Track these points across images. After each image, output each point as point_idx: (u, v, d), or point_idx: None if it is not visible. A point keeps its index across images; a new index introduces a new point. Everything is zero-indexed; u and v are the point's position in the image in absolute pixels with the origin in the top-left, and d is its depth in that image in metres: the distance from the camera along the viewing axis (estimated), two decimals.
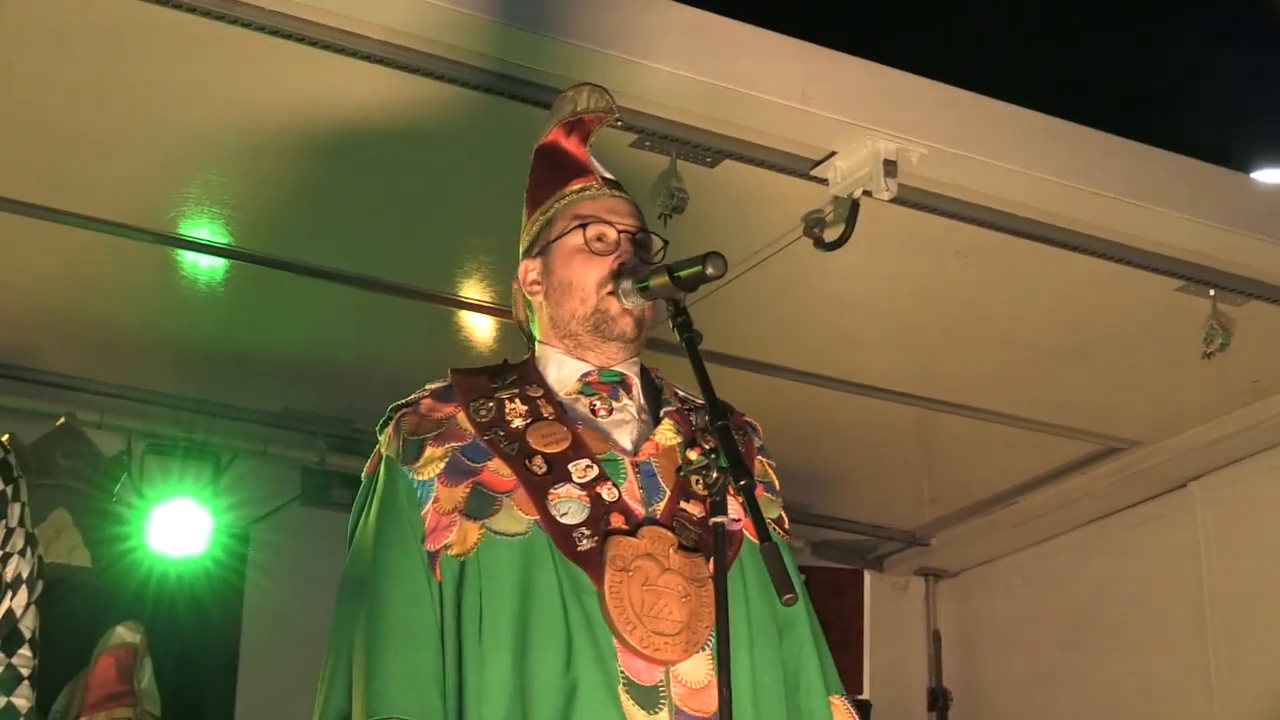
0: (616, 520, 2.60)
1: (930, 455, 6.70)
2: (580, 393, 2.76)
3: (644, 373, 2.84)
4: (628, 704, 2.51)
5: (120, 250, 4.96)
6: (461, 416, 2.71)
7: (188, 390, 6.04)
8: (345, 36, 3.91)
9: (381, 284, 5.22)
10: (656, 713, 2.52)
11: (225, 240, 4.94)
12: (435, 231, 4.94)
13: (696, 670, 2.56)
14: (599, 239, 2.78)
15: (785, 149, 4.38)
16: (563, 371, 2.78)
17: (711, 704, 2.50)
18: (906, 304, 5.28)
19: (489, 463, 2.65)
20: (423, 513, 2.64)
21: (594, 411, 2.74)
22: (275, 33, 3.87)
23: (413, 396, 2.79)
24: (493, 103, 4.15)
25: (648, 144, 4.31)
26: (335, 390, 6.07)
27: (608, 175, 2.89)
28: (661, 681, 2.54)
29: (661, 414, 2.76)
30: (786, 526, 2.82)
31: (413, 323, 5.53)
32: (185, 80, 4.15)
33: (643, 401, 2.79)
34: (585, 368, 2.77)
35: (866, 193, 4.39)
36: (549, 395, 2.75)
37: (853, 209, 4.48)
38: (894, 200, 4.39)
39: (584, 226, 2.79)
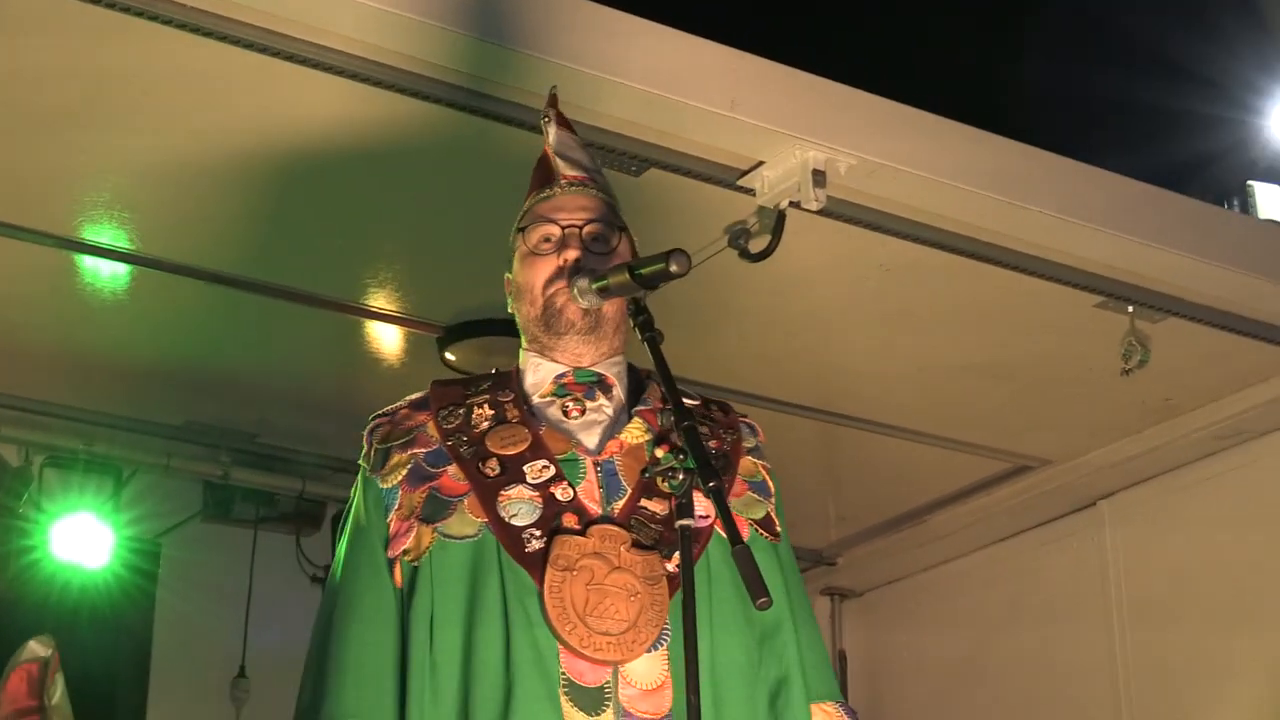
0: (569, 520, 2.57)
1: (839, 473, 6.67)
2: (554, 394, 2.74)
3: (633, 373, 2.81)
4: (567, 707, 2.47)
5: (21, 255, 4.82)
6: (430, 425, 2.73)
7: (88, 402, 5.91)
8: (266, 35, 3.80)
9: (288, 292, 5.11)
10: (598, 715, 2.47)
11: (129, 246, 4.81)
12: (346, 239, 4.84)
13: (649, 670, 2.51)
14: (545, 240, 2.79)
15: (712, 158, 4.33)
16: (538, 374, 2.78)
17: (664, 705, 2.48)
18: (826, 318, 5.23)
19: (448, 468, 2.66)
20: (388, 520, 2.66)
21: (566, 413, 2.72)
22: (194, 30, 3.76)
23: (392, 406, 2.85)
24: (412, 106, 4.08)
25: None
26: (239, 403, 5.98)
27: (571, 173, 2.87)
28: (607, 683, 2.50)
29: (633, 412, 2.73)
30: (777, 529, 2.75)
31: (319, 333, 5.43)
32: (98, 82, 4.03)
33: (624, 402, 2.76)
34: (559, 369, 2.76)
35: (793, 204, 4.34)
36: (520, 399, 2.74)
37: (779, 220, 4.43)
38: (820, 212, 4.35)
39: (530, 230, 2.81)
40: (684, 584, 2.34)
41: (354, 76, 3.95)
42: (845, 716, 2.73)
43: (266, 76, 3.98)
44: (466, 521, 2.59)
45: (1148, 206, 4.84)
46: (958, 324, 5.26)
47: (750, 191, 4.41)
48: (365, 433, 2.80)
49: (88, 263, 4.94)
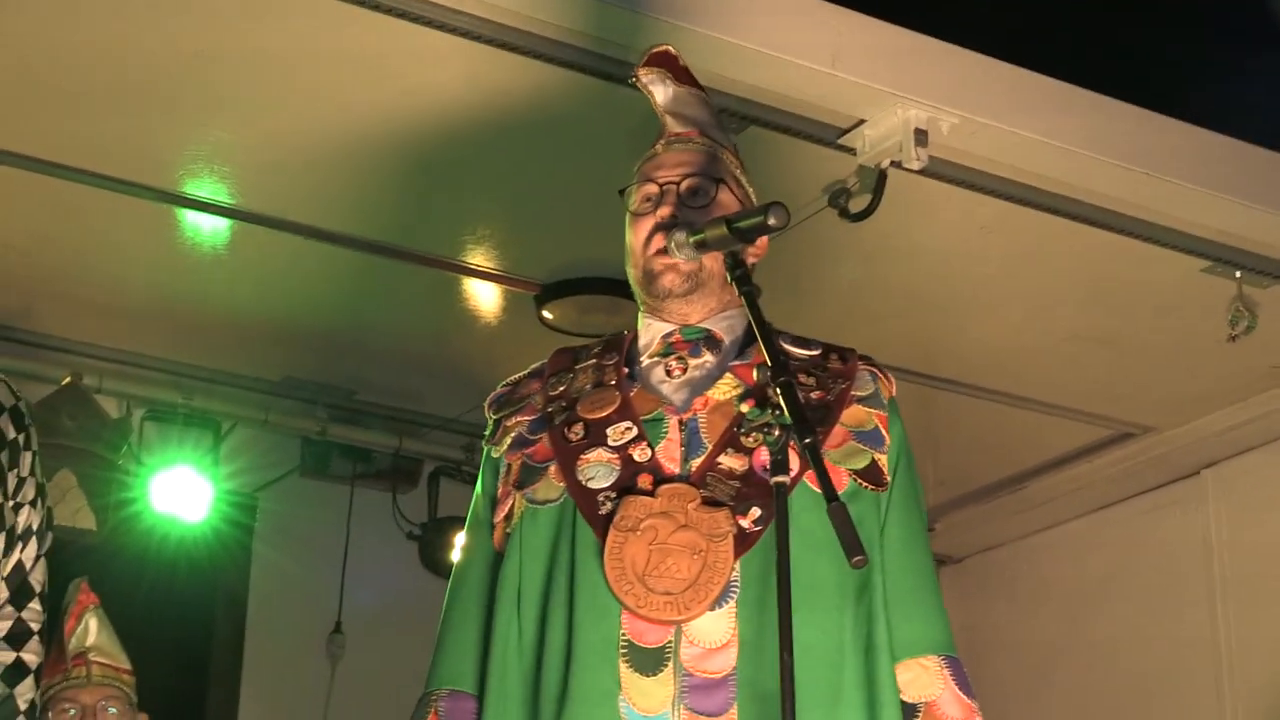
0: (643, 481, 2.57)
1: (937, 437, 6.60)
2: (661, 354, 2.74)
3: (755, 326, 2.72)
4: (624, 669, 2.47)
5: (122, 208, 4.85)
6: (539, 393, 2.77)
7: (187, 356, 5.95)
8: None
9: (387, 248, 5.12)
10: (656, 674, 2.46)
11: (230, 201, 4.83)
12: (445, 196, 4.84)
13: (714, 628, 2.48)
14: (646, 199, 2.79)
15: (813, 115, 4.28)
16: (649, 334, 2.79)
17: (729, 664, 2.46)
18: (926, 279, 5.18)
19: (543, 435, 2.69)
20: (497, 488, 2.74)
21: (669, 372, 2.71)
22: None
23: (516, 375, 2.90)
24: (508, 61, 4.06)
25: None
26: (337, 359, 6.00)
27: (678, 129, 2.86)
28: (669, 642, 2.48)
29: (729, 366, 2.69)
30: (884, 477, 2.67)
31: (417, 290, 5.44)
32: (197, 34, 4.03)
33: (729, 357, 2.73)
34: (667, 328, 2.76)
35: (895, 163, 4.28)
36: (625, 361, 2.76)
37: (880, 179, 4.38)
38: (922, 172, 4.30)
39: (632, 190, 2.81)
40: (779, 541, 2.28)
41: (457, 32, 3.94)
42: (945, 669, 2.64)
43: (373, 36, 3.98)
44: (551, 487, 2.62)
45: (1257, 169, 4.74)
46: (1060, 288, 5.19)
47: (851, 150, 4.37)
48: (486, 404, 2.86)
49: (189, 217, 4.97)
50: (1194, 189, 4.61)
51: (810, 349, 2.76)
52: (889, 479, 2.67)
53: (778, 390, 2.36)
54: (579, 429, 2.65)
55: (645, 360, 2.75)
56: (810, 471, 2.40)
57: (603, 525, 2.53)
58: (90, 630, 4.21)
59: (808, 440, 2.29)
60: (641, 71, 2.93)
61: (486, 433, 2.84)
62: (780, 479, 2.32)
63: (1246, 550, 6.23)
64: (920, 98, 4.20)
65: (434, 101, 4.31)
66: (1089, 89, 4.49)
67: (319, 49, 4.10)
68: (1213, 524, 6.37)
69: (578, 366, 2.79)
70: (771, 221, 2.49)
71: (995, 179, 4.53)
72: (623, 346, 2.80)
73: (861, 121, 4.29)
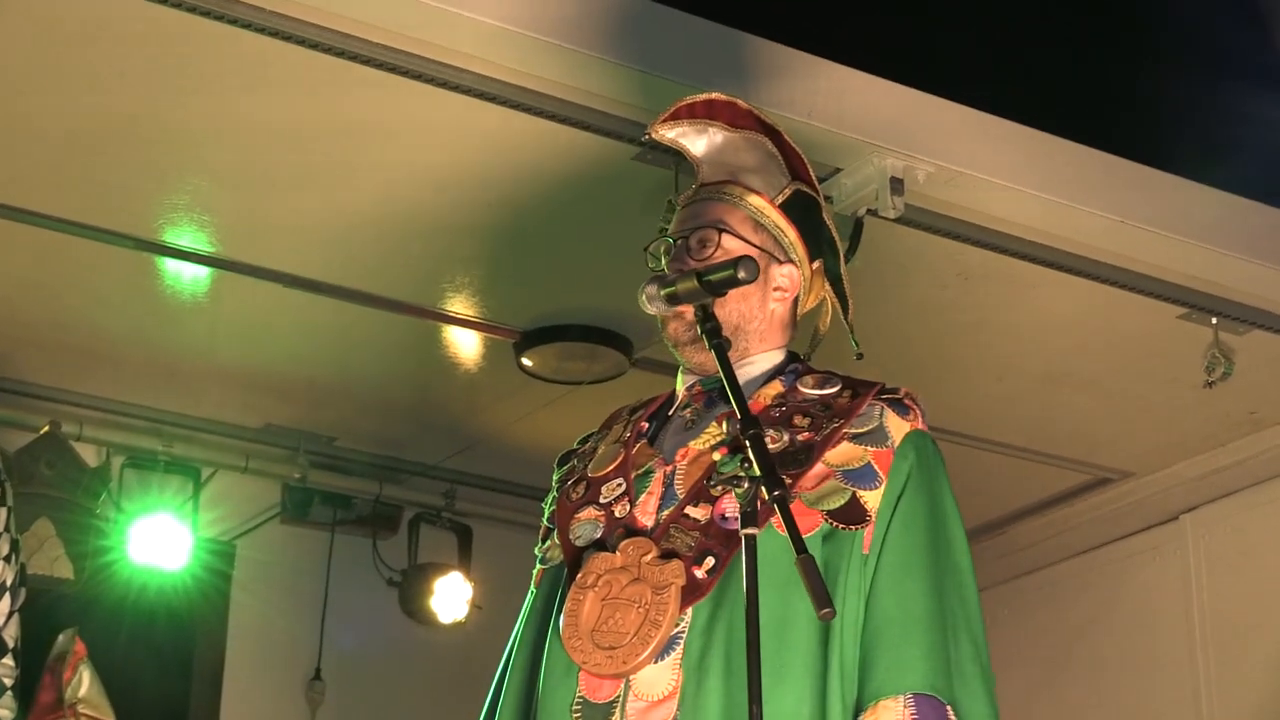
0: (616, 536, 2.59)
1: None
2: (685, 405, 2.76)
3: (774, 374, 2.76)
4: None
5: (103, 257, 4.86)
6: (585, 451, 2.83)
7: (168, 404, 5.95)
8: (344, 40, 3.81)
9: (367, 297, 5.12)
10: None
11: (210, 249, 4.84)
12: (425, 244, 4.84)
13: (656, 680, 2.47)
14: (664, 254, 2.77)
15: None
16: (680, 385, 2.82)
17: (668, 716, 2.44)
18: (904, 326, 5.19)
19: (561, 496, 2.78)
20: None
21: (686, 425, 2.73)
22: (273, 35, 3.77)
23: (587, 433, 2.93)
24: (490, 110, 4.07)
25: (650, 157, 4.23)
26: (318, 406, 6.00)
27: (708, 179, 2.86)
28: (617, 696, 2.48)
29: (718, 414, 2.68)
30: (865, 515, 2.56)
31: (397, 337, 5.45)
32: (178, 82, 4.05)
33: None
34: (692, 379, 2.78)
35: (871, 211, 4.30)
36: (654, 414, 2.79)
37: (856, 227, 4.39)
38: (898, 220, 4.32)
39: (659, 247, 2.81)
40: (748, 591, 2.26)
41: (434, 83, 3.96)
42: (908, 710, 2.45)
43: (351, 93, 4.01)
44: (555, 547, 2.70)
45: (1233, 217, 4.77)
46: (1037, 334, 5.22)
47: (828, 199, 4.37)
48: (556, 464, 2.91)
49: (169, 265, 4.98)
50: (1170, 236, 4.63)
51: (828, 387, 2.71)
52: (875, 516, 2.56)
53: (747, 443, 2.35)
54: (580, 488, 2.71)
55: (673, 412, 2.78)
56: (776, 516, 2.34)
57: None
58: (84, 682, 4.23)
59: (776, 493, 2.28)
60: (677, 126, 2.91)
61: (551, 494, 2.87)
62: (750, 531, 2.30)
63: (1226, 595, 6.23)
64: (896, 147, 4.22)
65: (413, 153, 4.33)
66: (1064, 137, 4.51)
67: (299, 104, 4.12)
68: (1192, 569, 6.36)
69: (615, 425, 2.83)
70: (741, 275, 2.51)
71: (972, 227, 4.55)
72: (658, 402, 2.83)
73: (838, 170, 4.31)
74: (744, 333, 2.73)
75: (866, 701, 2.47)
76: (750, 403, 2.63)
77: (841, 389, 2.71)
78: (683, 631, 2.48)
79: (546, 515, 2.80)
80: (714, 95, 2.94)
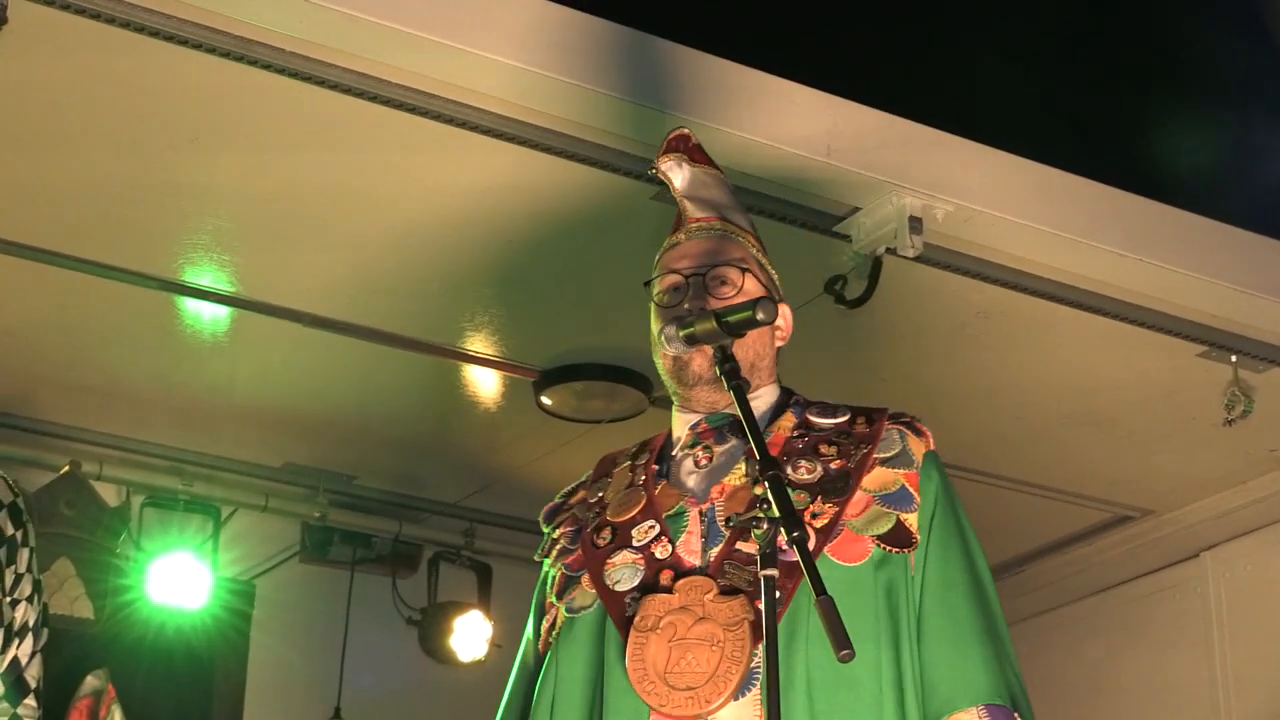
0: (665, 578, 2.57)
1: None
2: (690, 445, 2.75)
3: (779, 407, 2.79)
4: None
5: (123, 297, 4.88)
6: (582, 500, 2.81)
7: (188, 443, 5.96)
8: (361, 79, 3.83)
9: (387, 336, 5.13)
10: None
11: (230, 289, 4.85)
12: (444, 283, 4.85)
13: (739, 718, 2.46)
14: (667, 290, 2.77)
15: (808, 204, 4.32)
16: (680, 427, 2.80)
17: None
18: (924, 364, 5.19)
19: (580, 543, 2.72)
20: (546, 602, 2.76)
21: (697, 463, 2.72)
22: (292, 75, 3.79)
23: (571, 485, 2.91)
24: (509, 149, 4.08)
25: (668, 196, 4.22)
26: (338, 445, 6.00)
27: (700, 215, 2.86)
28: None
29: (743, 454, 2.67)
30: (912, 538, 2.62)
31: (417, 376, 5.46)
32: (199, 123, 4.07)
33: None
34: (694, 418, 2.77)
35: (890, 250, 4.31)
36: (657, 457, 2.77)
37: (875, 266, 4.40)
38: (917, 258, 4.32)
39: (657, 282, 2.80)
40: (766, 634, 2.29)
41: (454, 123, 3.98)
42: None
43: (373, 130, 4.02)
44: (585, 595, 2.65)
45: (1253, 255, 4.77)
46: (1057, 372, 5.21)
47: (846, 238, 4.39)
48: (541, 517, 2.89)
49: (189, 305, 4.99)
50: (1189, 275, 4.63)
51: (838, 416, 2.76)
52: (919, 536, 2.63)
53: (766, 484, 2.36)
54: (606, 534, 2.67)
55: (677, 453, 2.76)
56: (831, 543, 2.47)
57: (627, 627, 2.54)
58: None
59: (795, 534, 2.28)
60: (660, 159, 2.92)
61: (544, 542, 2.86)
62: (770, 572, 2.31)
63: (1247, 632, 6.20)
64: (915, 185, 4.23)
65: (433, 192, 4.34)
66: (1083, 175, 4.52)
67: (320, 141, 4.13)
68: (1213, 606, 6.34)
69: (615, 471, 2.81)
70: (759, 316, 2.51)
71: (990, 265, 4.56)
72: (656, 445, 2.82)
73: (857, 209, 4.32)
74: (757, 370, 2.76)
75: (939, 715, 2.55)
76: (772, 435, 2.70)
77: (853, 416, 2.76)
78: (757, 667, 2.47)
79: (549, 573, 2.77)
80: (681, 130, 2.98)
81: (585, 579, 2.66)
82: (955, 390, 5.36)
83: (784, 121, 4.09)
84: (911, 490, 2.68)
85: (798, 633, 2.50)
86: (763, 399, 2.79)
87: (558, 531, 2.80)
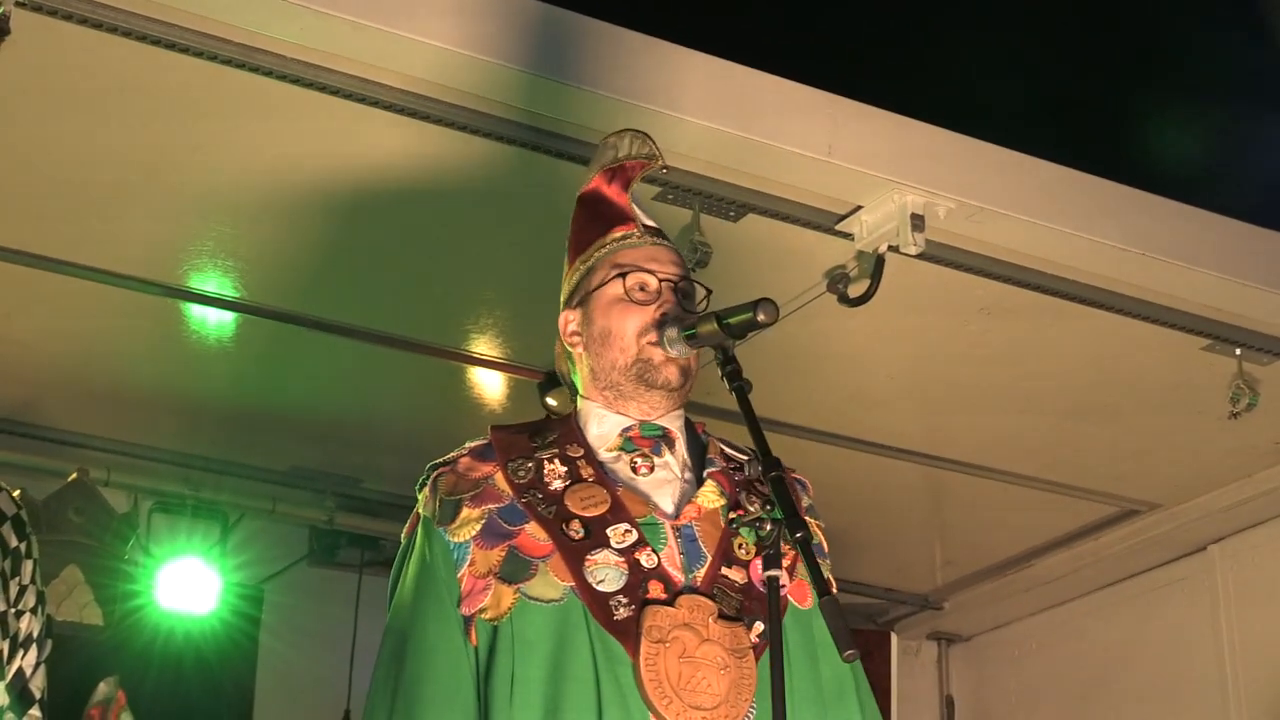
0: (655, 588, 2.51)
1: (945, 517, 6.61)
2: (621, 449, 2.68)
3: (689, 427, 2.75)
4: None
5: (129, 303, 4.89)
6: (499, 477, 2.63)
7: (196, 448, 5.96)
8: (365, 85, 3.84)
9: (392, 339, 5.14)
10: None
11: (235, 294, 4.86)
12: (447, 286, 4.87)
13: None
14: (640, 288, 2.71)
15: (810, 203, 4.31)
16: (603, 427, 2.70)
17: None
18: (928, 362, 5.20)
19: (525, 525, 2.58)
20: (458, 575, 2.57)
21: (635, 470, 2.65)
22: (294, 81, 3.80)
23: (451, 455, 2.71)
24: (512, 154, 4.10)
25: (671, 197, 4.25)
26: (344, 448, 6.01)
27: (649, 223, 2.82)
28: None
29: (705, 474, 2.67)
30: (834, 590, 2.62)
31: (423, 379, 5.47)
32: (200, 130, 4.08)
33: (687, 458, 2.70)
34: (626, 422, 2.69)
35: (892, 248, 4.32)
36: (589, 455, 2.67)
37: (878, 264, 4.41)
38: (920, 256, 4.33)
39: (624, 275, 2.72)
40: (771, 638, 2.29)
41: (455, 126, 3.99)
42: None
43: (373, 127, 4.02)
44: (550, 584, 2.52)
45: (1257, 248, 4.76)
46: (1061, 367, 5.21)
47: (849, 236, 4.40)
48: (428, 482, 2.69)
49: (194, 310, 5.00)
50: (1193, 269, 4.63)
51: (740, 451, 2.73)
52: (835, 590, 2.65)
53: (769, 484, 2.36)
54: (577, 526, 2.56)
55: (603, 453, 2.67)
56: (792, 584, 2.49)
57: (627, 632, 2.48)
58: None
59: (799, 534, 2.28)
60: (629, 163, 2.86)
61: (432, 511, 2.64)
62: (774, 573, 2.31)
63: (1255, 625, 6.21)
64: (917, 183, 4.23)
65: (437, 194, 4.34)
66: (1085, 170, 4.52)
67: (322, 148, 4.15)
68: (1221, 599, 6.35)
69: (537, 454, 2.66)
70: (761, 318, 2.47)
71: (993, 261, 4.56)
72: (576, 435, 2.70)
73: (859, 207, 4.32)
74: (692, 382, 2.72)
75: None
76: (719, 466, 2.69)
77: (751, 458, 2.64)
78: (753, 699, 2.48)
79: (460, 545, 2.56)
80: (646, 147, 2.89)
81: (551, 568, 2.52)
82: (959, 387, 5.36)
83: (784, 119, 4.09)
84: (823, 543, 2.74)
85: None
86: (682, 420, 2.74)
87: (479, 508, 2.59)
